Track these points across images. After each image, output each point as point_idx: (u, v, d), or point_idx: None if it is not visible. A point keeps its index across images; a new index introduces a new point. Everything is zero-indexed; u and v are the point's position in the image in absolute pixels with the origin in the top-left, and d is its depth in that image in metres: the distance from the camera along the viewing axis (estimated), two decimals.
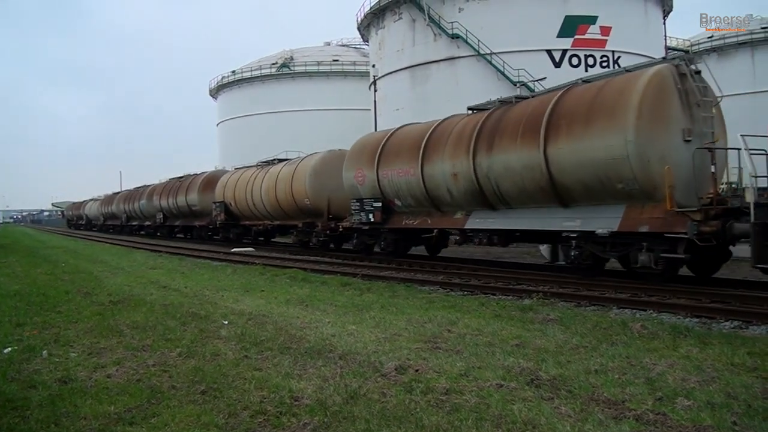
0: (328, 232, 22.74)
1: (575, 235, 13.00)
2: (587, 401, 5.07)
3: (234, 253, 24.51)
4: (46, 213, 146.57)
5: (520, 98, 15.71)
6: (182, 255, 24.86)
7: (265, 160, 30.24)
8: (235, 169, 33.66)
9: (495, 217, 15.15)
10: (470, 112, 17.09)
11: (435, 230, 18.25)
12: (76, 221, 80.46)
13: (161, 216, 40.70)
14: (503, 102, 15.74)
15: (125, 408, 5.22)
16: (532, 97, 15.60)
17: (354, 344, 7.36)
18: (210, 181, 34.57)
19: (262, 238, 31.28)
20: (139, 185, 50.85)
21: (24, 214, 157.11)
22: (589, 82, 13.77)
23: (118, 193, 58.09)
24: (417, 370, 6.08)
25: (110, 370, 6.48)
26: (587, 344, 7.18)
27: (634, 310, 9.91)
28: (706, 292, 10.81)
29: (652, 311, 9.74)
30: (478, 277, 14.58)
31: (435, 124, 17.37)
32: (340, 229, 21.40)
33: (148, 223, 45.20)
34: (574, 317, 8.89)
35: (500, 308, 9.92)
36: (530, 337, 7.61)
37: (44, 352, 7.31)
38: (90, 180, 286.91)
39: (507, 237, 15.40)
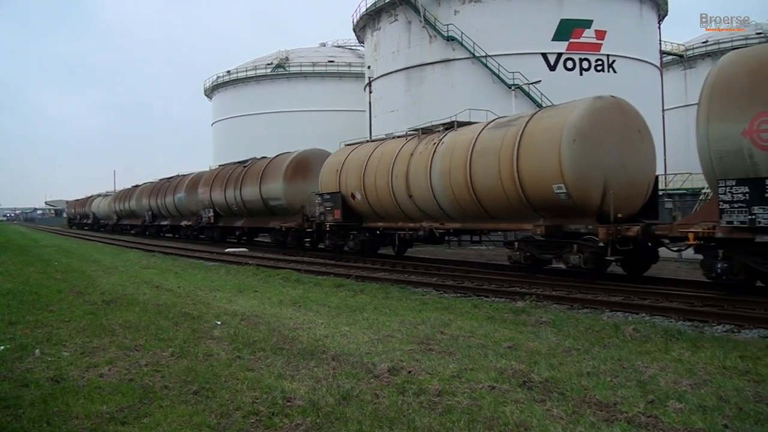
0: (612, 244, 12.23)
1: None
2: (579, 403, 5.09)
3: (227, 254, 24.45)
4: (39, 211, 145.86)
5: None
6: (176, 255, 24.81)
7: (421, 126, 18.58)
8: (346, 144, 22.32)
9: None
10: None
11: None
12: (79, 220, 70.58)
13: (210, 214, 31.24)
14: None
15: (117, 407, 5.22)
16: None
17: (347, 345, 7.37)
18: (302, 164, 24.66)
19: (389, 249, 21.26)
20: (168, 176, 41.60)
21: (17, 212, 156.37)
22: None
23: (137, 186, 47.68)
24: (410, 372, 6.09)
25: (103, 369, 6.47)
26: (579, 347, 7.21)
27: (627, 313, 9.97)
28: (699, 295, 10.86)
29: (644, 314, 9.80)
30: (471, 279, 14.58)
31: None
32: (699, 239, 10.83)
33: (185, 222, 35.52)
34: (566, 320, 8.92)
35: (493, 310, 9.94)
36: (523, 340, 7.63)
37: (36, 351, 7.29)
38: (83, 179, 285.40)
39: None
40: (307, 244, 24.67)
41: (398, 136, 19.48)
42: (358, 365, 6.41)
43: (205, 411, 5.11)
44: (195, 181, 34.16)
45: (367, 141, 21.15)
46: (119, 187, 63.23)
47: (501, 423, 4.67)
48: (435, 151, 16.34)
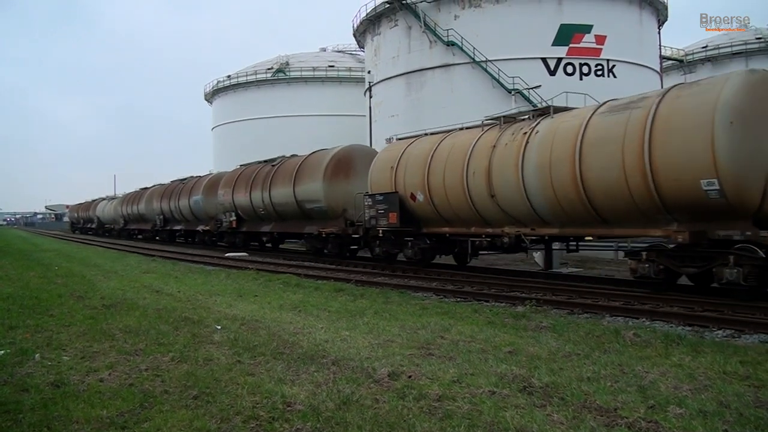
0: None
1: None
2: (579, 408, 5.09)
3: (228, 258, 24.44)
4: (39, 216, 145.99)
5: None
6: (176, 259, 24.82)
7: (497, 114, 16.18)
8: (398, 139, 19.88)
9: None
10: None
11: None
12: (83, 224, 68.99)
13: (232, 218, 28.80)
14: None
15: (118, 412, 5.21)
16: None
17: (347, 350, 7.36)
18: (344, 161, 22.16)
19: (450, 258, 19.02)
20: (180, 178, 39.17)
21: (17, 216, 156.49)
22: None
23: (146, 188, 45.20)
24: (410, 377, 6.08)
25: (103, 374, 6.46)
26: (580, 352, 7.20)
27: (627, 318, 9.97)
28: (699, 300, 10.85)
29: (644, 319, 9.80)
30: (471, 284, 14.57)
31: None
32: None
33: (203, 227, 32.89)
34: (566, 325, 8.91)
35: (493, 315, 9.93)
36: (523, 344, 7.62)
37: (37, 355, 7.28)
38: (83, 183, 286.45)
39: None
40: (347, 253, 22.55)
41: (470, 127, 16.61)
42: (359, 370, 6.40)
43: (206, 416, 5.11)
44: (214, 182, 31.79)
45: (425, 133, 18.47)
46: (120, 192, 62.91)
47: (501, 428, 4.66)
48: (527, 142, 13.73)
